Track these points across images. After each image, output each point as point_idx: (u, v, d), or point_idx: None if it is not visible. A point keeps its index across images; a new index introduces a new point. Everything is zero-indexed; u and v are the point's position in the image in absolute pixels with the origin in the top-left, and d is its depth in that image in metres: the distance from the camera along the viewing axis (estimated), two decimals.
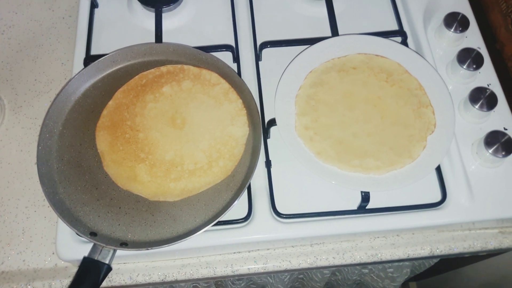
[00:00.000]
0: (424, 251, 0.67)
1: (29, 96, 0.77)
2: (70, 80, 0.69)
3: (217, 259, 0.66)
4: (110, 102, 0.69)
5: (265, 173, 0.66)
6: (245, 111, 0.68)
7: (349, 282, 0.95)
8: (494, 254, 0.82)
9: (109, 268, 0.59)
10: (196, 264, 0.66)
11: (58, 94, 0.68)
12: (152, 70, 0.71)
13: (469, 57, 0.71)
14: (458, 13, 0.75)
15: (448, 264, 0.97)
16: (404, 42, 0.76)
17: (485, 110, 0.68)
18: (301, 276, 0.90)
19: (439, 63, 0.75)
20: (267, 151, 0.68)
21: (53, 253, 0.66)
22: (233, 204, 0.60)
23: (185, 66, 0.71)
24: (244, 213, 0.64)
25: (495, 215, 0.65)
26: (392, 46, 0.72)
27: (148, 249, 0.58)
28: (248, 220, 0.64)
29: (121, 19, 0.81)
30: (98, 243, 0.59)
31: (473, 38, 0.77)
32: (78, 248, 0.62)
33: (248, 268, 0.66)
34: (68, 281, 0.64)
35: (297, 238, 0.65)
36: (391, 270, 0.89)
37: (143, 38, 0.76)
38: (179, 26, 0.80)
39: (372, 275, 0.92)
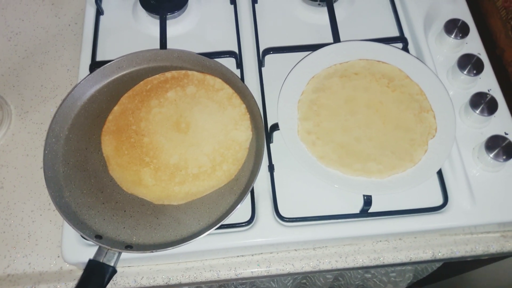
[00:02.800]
0: (426, 255, 0.67)
1: (35, 102, 0.79)
2: (76, 86, 0.70)
3: (221, 263, 0.67)
4: (116, 107, 0.70)
5: (268, 177, 0.67)
6: (249, 116, 0.69)
7: (352, 287, 0.96)
8: (497, 259, 0.82)
9: (114, 271, 0.59)
10: (199, 267, 0.66)
11: (64, 99, 0.69)
12: (157, 75, 0.72)
13: (470, 62, 0.72)
14: (458, 20, 0.76)
15: (451, 269, 0.97)
16: (405, 48, 0.77)
17: (486, 115, 0.69)
18: (304, 281, 0.91)
19: (440, 69, 0.76)
20: (270, 155, 0.68)
21: (58, 257, 0.67)
22: (237, 208, 0.61)
23: (189, 72, 0.72)
24: (247, 217, 0.64)
25: (497, 219, 0.65)
26: (393, 52, 0.73)
27: (152, 252, 0.59)
28: (251, 224, 0.64)
29: (126, 26, 0.83)
30: (104, 245, 0.59)
31: (474, 44, 0.78)
32: (83, 251, 0.63)
33: (252, 272, 0.66)
34: (73, 284, 0.65)
35: (300, 242, 0.65)
36: (394, 274, 0.89)
37: (148, 44, 0.77)
38: (183, 32, 0.82)
39: (374, 279, 0.93)
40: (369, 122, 0.68)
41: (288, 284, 0.87)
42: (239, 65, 0.76)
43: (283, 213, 0.65)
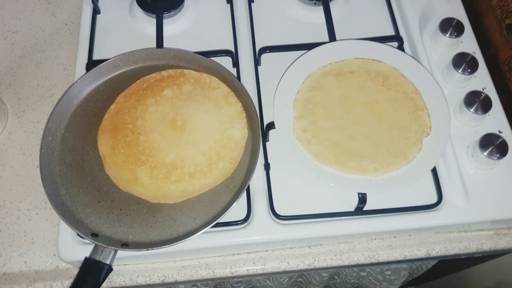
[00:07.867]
0: (420, 252, 0.67)
1: (31, 101, 0.79)
2: (72, 84, 0.70)
3: (217, 261, 0.67)
4: (112, 106, 0.70)
5: (264, 176, 0.67)
6: (245, 114, 0.69)
7: (347, 285, 0.96)
8: (491, 257, 0.82)
9: (110, 269, 0.59)
10: (195, 266, 0.66)
11: (61, 98, 0.69)
12: (153, 74, 0.72)
13: (464, 61, 0.72)
14: (453, 19, 0.76)
15: (446, 267, 0.97)
16: (401, 47, 0.78)
17: (480, 113, 0.69)
18: (300, 279, 0.91)
19: (435, 68, 0.76)
20: (266, 154, 0.69)
21: (54, 255, 0.67)
22: (232, 206, 0.61)
23: (186, 71, 0.72)
24: (243, 215, 0.65)
25: (490, 216, 0.66)
26: (388, 51, 0.74)
27: (148, 250, 0.59)
28: (247, 222, 0.65)
29: (122, 25, 0.83)
30: (100, 243, 0.59)
31: (468, 43, 0.79)
32: (79, 250, 0.63)
33: (247, 269, 0.66)
34: (69, 282, 0.65)
35: (295, 240, 0.66)
36: (389, 272, 0.89)
37: (144, 43, 0.77)
38: (179, 31, 0.82)
39: (370, 278, 0.93)
40: (364, 120, 0.68)
41: (284, 283, 0.87)
42: (235, 64, 0.77)
43: (278, 211, 0.65)
